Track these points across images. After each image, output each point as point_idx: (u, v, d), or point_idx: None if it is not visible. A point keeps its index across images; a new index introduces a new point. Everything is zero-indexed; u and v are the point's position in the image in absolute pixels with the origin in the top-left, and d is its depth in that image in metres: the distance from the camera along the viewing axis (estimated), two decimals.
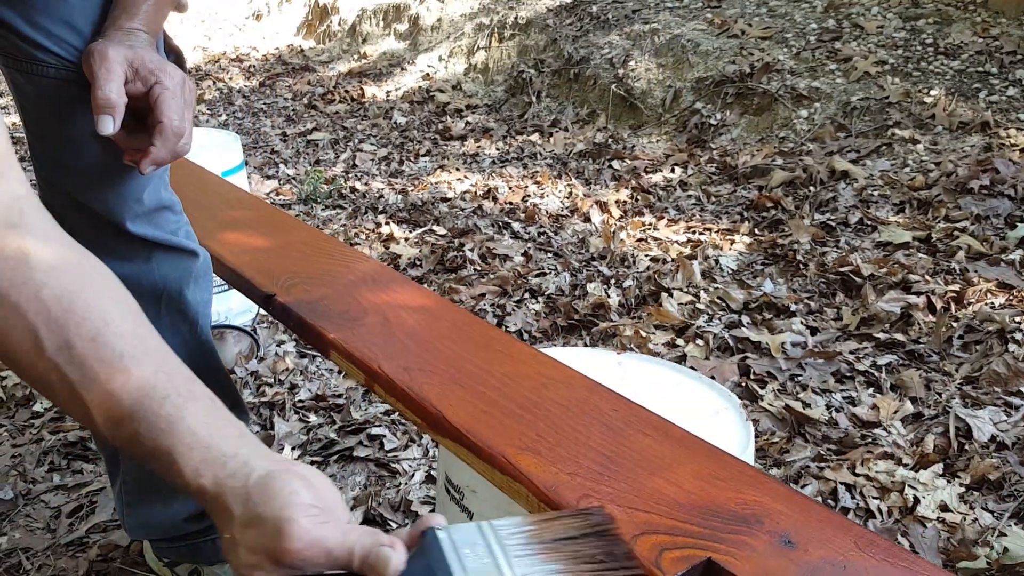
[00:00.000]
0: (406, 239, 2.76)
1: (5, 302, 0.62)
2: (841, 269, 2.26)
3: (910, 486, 1.49)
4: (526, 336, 2.11)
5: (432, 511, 1.50)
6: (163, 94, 0.90)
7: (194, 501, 0.61)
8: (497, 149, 3.72)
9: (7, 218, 0.64)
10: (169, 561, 1.34)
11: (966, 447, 1.60)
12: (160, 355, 0.65)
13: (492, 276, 2.42)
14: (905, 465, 1.56)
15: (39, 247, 0.64)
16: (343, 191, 3.27)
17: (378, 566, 0.54)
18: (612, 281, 2.34)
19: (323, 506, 0.57)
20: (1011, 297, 2.09)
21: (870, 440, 1.63)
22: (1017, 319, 1.95)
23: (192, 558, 1.29)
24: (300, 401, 1.88)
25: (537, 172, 3.35)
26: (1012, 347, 1.86)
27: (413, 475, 1.62)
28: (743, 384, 1.82)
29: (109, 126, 0.87)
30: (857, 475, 1.53)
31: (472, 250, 2.58)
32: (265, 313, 2.18)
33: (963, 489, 1.50)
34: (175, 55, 1.09)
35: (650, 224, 2.77)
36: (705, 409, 0.95)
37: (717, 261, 2.43)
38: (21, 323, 0.62)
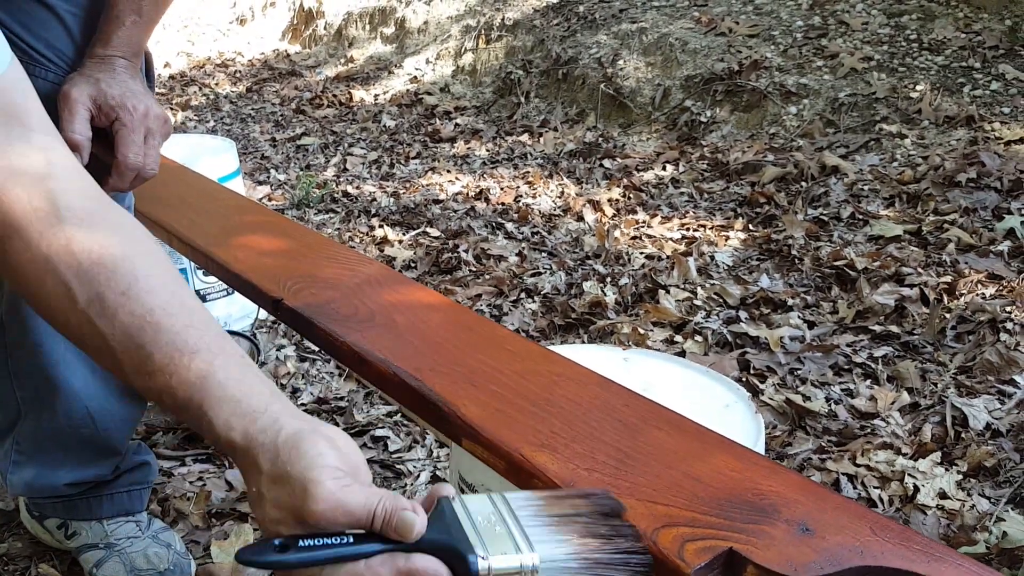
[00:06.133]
0: (400, 241, 2.76)
1: (36, 253, 0.64)
2: (835, 263, 2.28)
3: (909, 475, 1.52)
4: (524, 336, 2.12)
5: None
6: (120, 131, 0.99)
7: (223, 450, 0.62)
8: (487, 150, 3.74)
9: (39, 171, 0.66)
10: (39, 515, 1.39)
11: (962, 435, 1.62)
12: (192, 310, 0.65)
13: (487, 277, 2.43)
14: (904, 454, 1.58)
15: (71, 200, 0.66)
16: (335, 195, 3.27)
17: (401, 529, 0.56)
18: (608, 279, 2.36)
19: (347, 469, 0.58)
20: (1001, 288, 2.12)
21: (869, 431, 1.65)
22: (1008, 309, 1.98)
23: (64, 513, 1.35)
24: (302, 404, 1.88)
25: (528, 172, 3.37)
26: (1004, 336, 1.88)
27: (419, 476, 1.63)
28: (743, 379, 1.84)
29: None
30: (858, 465, 1.55)
31: (466, 251, 2.59)
32: (264, 318, 2.18)
33: (961, 476, 1.53)
34: (144, 59, 1.14)
35: (643, 222, 2.78)
36: (715, 403, 0.96)
37: (712, 257, 2.45)
38: (52, 275, 0.64)
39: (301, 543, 0.56)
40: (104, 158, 1.01)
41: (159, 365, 0.62)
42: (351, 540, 0.57)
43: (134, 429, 1.34)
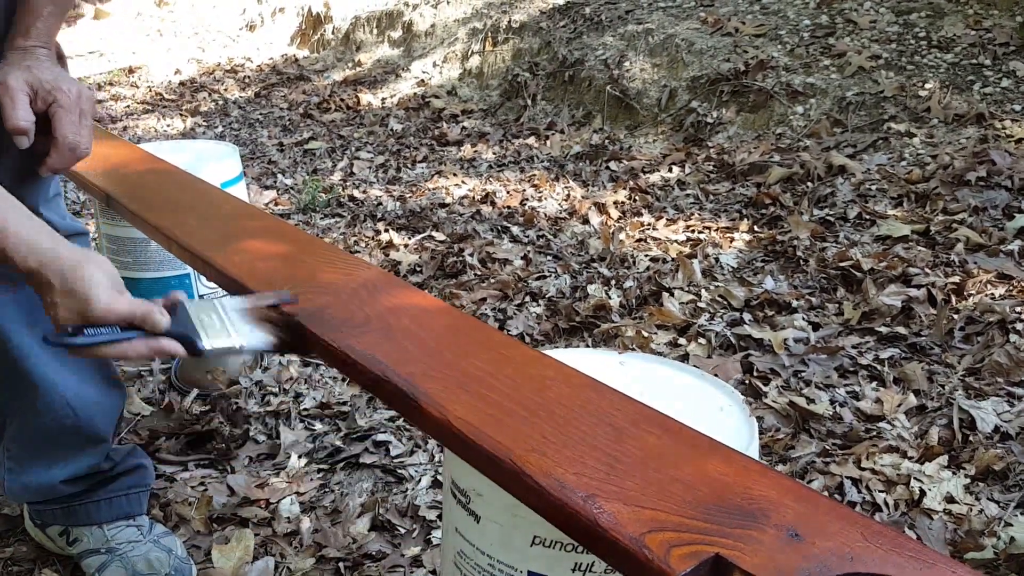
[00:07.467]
0: (405, 245, 2.76)
1: None
2: (841, 264, 2.26)
3: (916, 479, 1.50)
4: (528, 339, 2.12)
5: (440, 516, 1.51)
6: (58, 112, 1.05)
7: (21, 272, 0.86)
8: (494, 153, 3.73)
9: None
10: (41, 523, 1.41)
11: (970, 438, 1.60)
12: None
13: (492, 280, 2.43)
14: (910, 458, 1.56)
15: None
16: (341, 199, 3.28)
17: (152, 324, 0.88)
18: (612, 282, 2.35)
19: (115, 285, 0.87)
20: (1011, 288, 2.09)
21: (875, 434, 1.64)
22: (1018, 309, 1.95)
23: (64, 520, 1.37)
24: (305, 409, 1.88)
25: (534, 175, 3.36)
26: (1013, 337, 1.86)
27: (420, 480, 1.62)
28: (747, 381, 1.83)
29: (24, 143, 1.05)
30: (863, 469, 1.53)
31: (472, 255, 2.58)
32: None
33: (968, 480, 1.51)
34: (56, 52, 1.20)
35: (649, 224, 2.77)
36: (708, 406, 0.95)
37: (717, 259, 2.44)
38: None
39: (86, 331, 0.85)
40: (42, 131, 1.06)
41: None
42: (119, 330, 0.87)
43: (117, 417, 1.37)
